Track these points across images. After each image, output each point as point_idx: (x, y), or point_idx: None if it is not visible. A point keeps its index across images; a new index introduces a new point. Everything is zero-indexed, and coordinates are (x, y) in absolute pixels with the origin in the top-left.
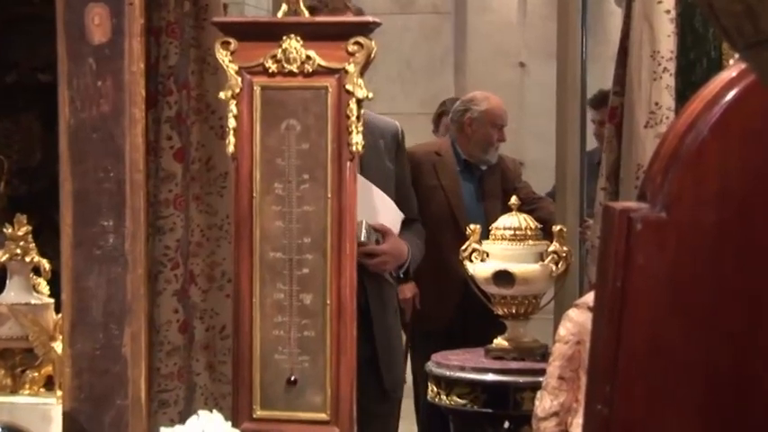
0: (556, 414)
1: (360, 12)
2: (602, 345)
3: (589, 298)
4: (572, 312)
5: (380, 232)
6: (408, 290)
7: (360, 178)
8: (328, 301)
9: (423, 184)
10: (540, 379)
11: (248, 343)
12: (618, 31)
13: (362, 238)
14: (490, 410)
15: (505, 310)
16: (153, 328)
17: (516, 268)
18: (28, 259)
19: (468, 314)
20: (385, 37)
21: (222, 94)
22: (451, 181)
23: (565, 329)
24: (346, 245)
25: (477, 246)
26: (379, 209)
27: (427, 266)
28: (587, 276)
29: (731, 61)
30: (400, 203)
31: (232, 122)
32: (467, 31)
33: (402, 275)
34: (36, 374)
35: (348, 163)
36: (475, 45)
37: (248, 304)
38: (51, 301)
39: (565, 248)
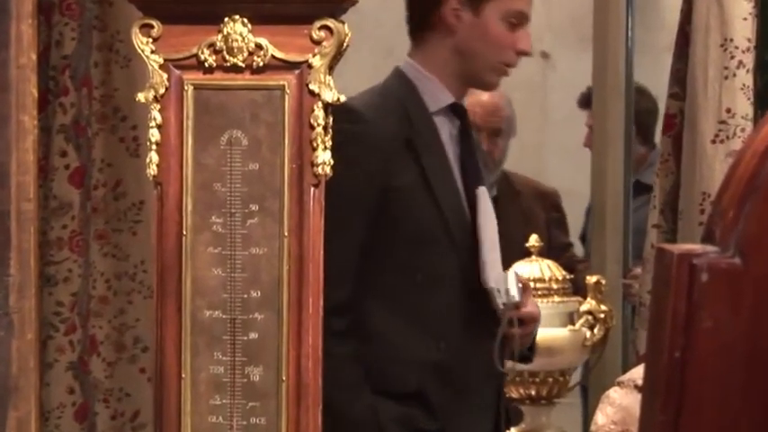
0: None
1: None
2: None
3: (637, 374)
4: (614, 393)
5: (523, 288)
6: None
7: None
8: (284, 377)
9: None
10: None
11: None
12: (676, 11)
13: (516, 297)
14: None
15: (522, 391)
16: (41, 414)
17: (537, 334)
18: None
19: None
20: (358, 18)
21: (141, 96)
22: None
23: (604, 416)
24: (309, 301)
25: None
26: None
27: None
28: (634, 345)
29: None
30: None
31: (154, 134)
32: None
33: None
34: None
35: (312, 189)
36: None
37: (175, 381)
38: None
39: (603, 307)
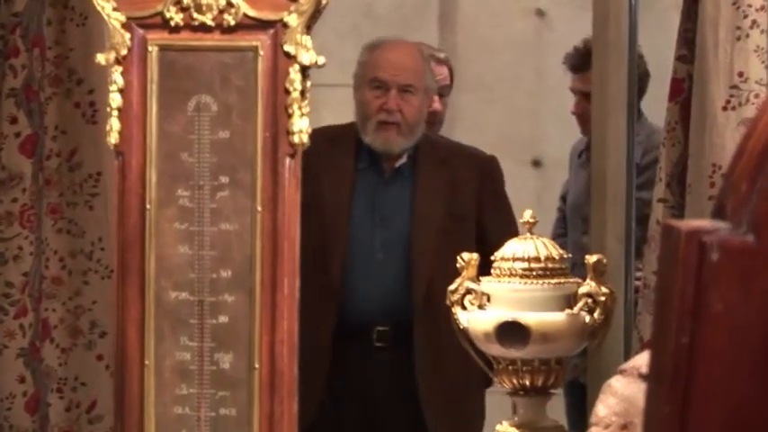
0: None
1: None
2: (661, 429)
3: (641, 361)
4: (616, 383)
5: None
6: None
7: None
8: (257, 365)
9: (305, 194)
10: None
11: (136, 426)
12: None
13: None
14: None
15: (515, 381)
16: None
17: (531, 319)
18: None
19: (354, 399)
20: None
21: (101, 57)
22: (339, 187)
23: (605, 407)
24: (284, 281)
25: (473, 285)
26: None
27: None
28: (637, 330)
29: None
30: None
31: (115, 99)
32: None
33: None
34: None
35: (288, 160)
36: None
37: (137, 369)
38: None
39: (604, 289)
